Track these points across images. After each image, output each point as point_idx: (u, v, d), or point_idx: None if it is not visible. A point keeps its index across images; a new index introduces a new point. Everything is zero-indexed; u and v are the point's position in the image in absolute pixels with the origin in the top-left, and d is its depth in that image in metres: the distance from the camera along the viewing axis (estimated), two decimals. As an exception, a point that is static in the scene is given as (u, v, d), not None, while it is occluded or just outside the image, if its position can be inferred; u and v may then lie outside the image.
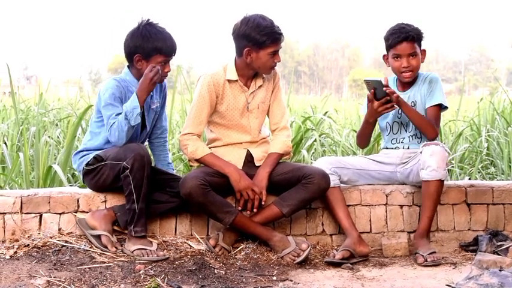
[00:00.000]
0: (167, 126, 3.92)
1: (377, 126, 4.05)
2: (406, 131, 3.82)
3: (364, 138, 3.91)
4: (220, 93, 3.62)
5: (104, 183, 3.52)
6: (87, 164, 3.52)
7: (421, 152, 3.60)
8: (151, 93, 3.58)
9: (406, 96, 3.77)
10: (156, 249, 3.36)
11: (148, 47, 3.48)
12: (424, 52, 3.79)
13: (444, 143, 3.88)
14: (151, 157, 3.71)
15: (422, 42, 3.79)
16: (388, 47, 3.78)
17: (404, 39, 3.69)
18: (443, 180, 3.56)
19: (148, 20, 3.55)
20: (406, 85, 3.82)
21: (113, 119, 3.43)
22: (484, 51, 66.48)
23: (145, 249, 3.33)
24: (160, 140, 3.84)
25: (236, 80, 3.63)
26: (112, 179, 3.46)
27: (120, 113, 3.42)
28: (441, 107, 3.76)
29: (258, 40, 3.48)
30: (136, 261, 3.26)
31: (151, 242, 3.42)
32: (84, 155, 3.57)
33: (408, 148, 3.80)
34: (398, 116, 3.80)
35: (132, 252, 3.34)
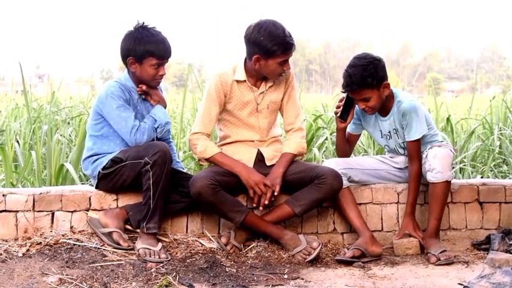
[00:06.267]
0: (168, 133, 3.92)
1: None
2: (400, 153, 3.81)
3: (340, 148, 3.88)
4: (228, 93, 3.63)
5: (123, 184, 3.51)
6: (104, 168, 3.51)
7: (425, 156, 3.61)
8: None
9: (387, 123, 3.73)
10: (160, 250, 3.34)
11: (140, 49, 3.49)
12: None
13: (447, 143, 3.84)
14: None
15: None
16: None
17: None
18: (450, 181, 3.56)
19: (143, 23, 3.56)
20: (384, 111, 3.71)
21: (134, 121, 3.45)
22: (496, 49, 66.09)
23: (150, 249, 3.33)
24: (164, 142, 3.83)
25: (244, 81, 3.63)
26: (132, 179, 3.45)
27: (133, 115, 3.47)
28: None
29: (268, 49, 3.45)
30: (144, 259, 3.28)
31: (158, 242, 3.41)
32: (97, 159, 3.55)
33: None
34: (385, 141, 3.82)
35: (138, 250, 3.35)
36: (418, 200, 3.80)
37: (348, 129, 3.85)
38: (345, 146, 3.86)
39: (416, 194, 3.68)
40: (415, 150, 3.65)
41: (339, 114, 3.73)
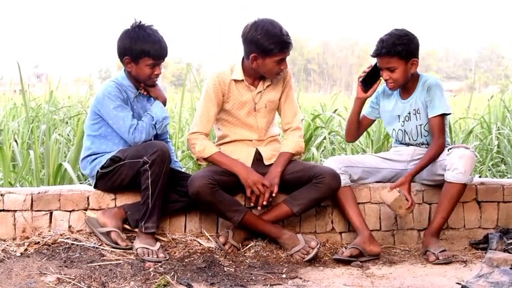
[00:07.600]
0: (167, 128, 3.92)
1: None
2: (413, 140, 3.78)
3: (351, 122, 3.86)
4: (226, 92, 3.62)
5: (121, 183, 3.51)
6: (102, 167, 3.51)
7: (448, 154, 3.58)
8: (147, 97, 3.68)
9: (407, 105, 3.72)
10: (159, 249, 3.34)
11: (136, 49, 3.48)
12: None
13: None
14: None
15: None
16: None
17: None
18: (466, 185, 3.54)
19: (140, 22, 3.54)
20: (406, 92, 3.73)
21: (132, 120, 3.46)
22: (495, 49, 66.12)
23: (148, 248, 3.33)
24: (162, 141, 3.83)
25: (242, 80, 3.63)
26: (130, 178, 3.45)
27: (131, 115, 3.47)
28: (445, 114, 3.66)
29: (265, 48, 3.45)
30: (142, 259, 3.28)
31: (156, 241, 3.41)
32: (95, 159, 3.55)
33: (419, 146, 3.78)
34: (402, 124, 3.78)
35: (136, 249, 3.35)
36: (416, 199, 3.80)
37: (364, 112, 3.86)
38: (356, 123, 3.85)
39: (429, 162, 3.59)
40: (438, 126, 3.61)
41: (361, 79, 3.72)
